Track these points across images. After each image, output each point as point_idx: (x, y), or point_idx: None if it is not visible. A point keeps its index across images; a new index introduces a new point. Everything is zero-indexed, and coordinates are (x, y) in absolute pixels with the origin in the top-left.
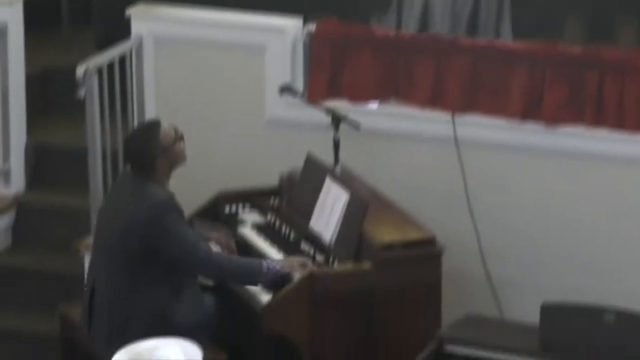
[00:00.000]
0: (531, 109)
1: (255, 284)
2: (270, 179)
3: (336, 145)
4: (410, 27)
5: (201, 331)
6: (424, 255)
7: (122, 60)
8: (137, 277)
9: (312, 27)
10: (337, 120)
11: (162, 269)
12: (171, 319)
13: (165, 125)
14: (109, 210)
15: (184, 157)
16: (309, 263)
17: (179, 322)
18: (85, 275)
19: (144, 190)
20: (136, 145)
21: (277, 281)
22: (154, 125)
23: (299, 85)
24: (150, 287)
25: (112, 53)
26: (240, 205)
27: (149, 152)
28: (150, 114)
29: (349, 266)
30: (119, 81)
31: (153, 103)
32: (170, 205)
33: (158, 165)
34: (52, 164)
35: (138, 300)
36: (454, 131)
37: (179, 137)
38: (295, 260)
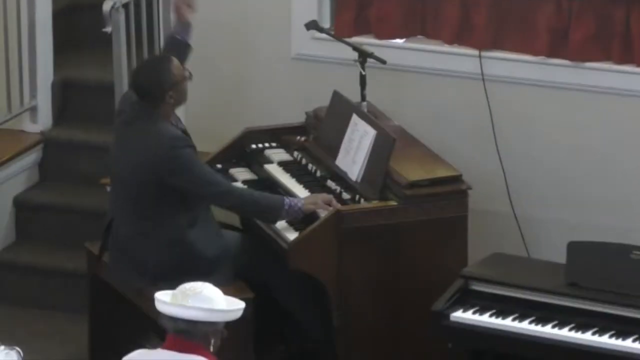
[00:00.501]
0: (558, 45)
1: (274, 221)
2: (296, 116)
3: (363, 82)
4: None
5: (224, 264)
6: (450, 192)
7: None
8: (151, 210)
9: None
10: (363, 56)
11: (177, 202)
12: (191, 247)
13: (175, 61)
14: (121, 144)
15: (186, 98)
16: (334, 200)
17: (200, 250)
18: None
19: (154, 126)
20: (148, 76)
21: (298, 219)
22: (166, 59)
23: (326, 21)
24: (165, 219)
25: None
26: (267, 143)
27: (160, 84)
28: None
29: (375, 203)
30: (146, 17)
31: None
32: (183, 141)
33: (167, 100)
34: (79, 100)
35: (154, 232)
36: (481, 68)
37: (188, 76)
38: (319, 197)
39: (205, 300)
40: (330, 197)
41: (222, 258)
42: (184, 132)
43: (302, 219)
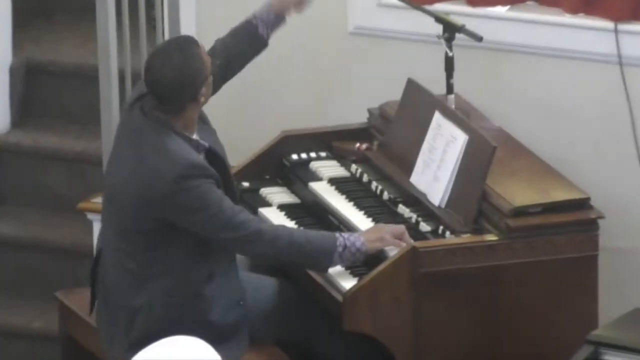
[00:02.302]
0: None
1: (324, 269)
2: (355, 115)
3: (449, 67)
4: None
5: (239, 332)
6: (573, 223)
7: None
8: (148, 253)
9: None
10: (451, 31)
11: (186, 247)
12: (198, 313)
13: (201, 43)
14: (119, 160)
15: (207, 100)
16: (407, 234)
17: (211, 317)
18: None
19: (166, 142)
20: (176, 71)
21: (357, 263)
22: (192, 41)
23: None
24: (167, 267)
25: None
26: (313, 152)
27: (194, 80)
28: (187, 25)
29: (466, 238)
30: None
31: (193, 9)
32: (199, 169)
33: (199, 100)
34: (48, 92)
35: (151, 280)
36: (617, 46)
37: (214, 67)
38: (387, 229)
39: None
40: (402, 229)
41: (240, 324)
42: (209, 150)
43: (363, 261)
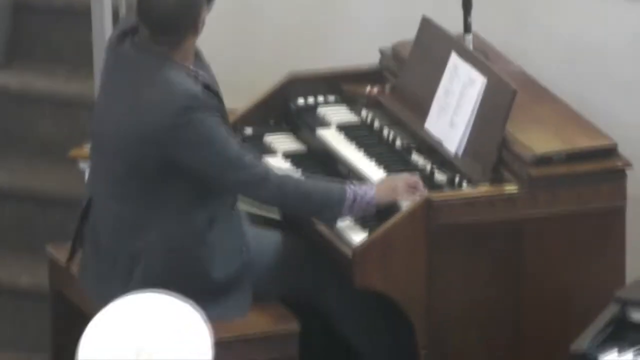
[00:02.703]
0: None
1: (333, 220)
2: (365, 55)
3: (467, 3)
4: None
5: (242, 286)
6: (600, 172)
7: None
8: (149, 197)
9: None
10: None
11: (187, 190)
12: (199, 260)
13: None
14: (112, 100)
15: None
16: (421, 183)
17: (212, 266)
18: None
19: (164, 74)
20: None
21: (368, 216)
22: None
23: None
24: (167, 212)
25: None
26: (321, 96)
27: (193, 6)
28: None
29: (484, 188)
30: None
31: None
32: (203, 101)
33: (199, 29)
34: (38, 32)
35: (150, 226)
36: None
37: None
38: (400, 179)
39: None
40: (416, 178)
41: (243, 277)
42: (207, 87)
43: (374, 214)
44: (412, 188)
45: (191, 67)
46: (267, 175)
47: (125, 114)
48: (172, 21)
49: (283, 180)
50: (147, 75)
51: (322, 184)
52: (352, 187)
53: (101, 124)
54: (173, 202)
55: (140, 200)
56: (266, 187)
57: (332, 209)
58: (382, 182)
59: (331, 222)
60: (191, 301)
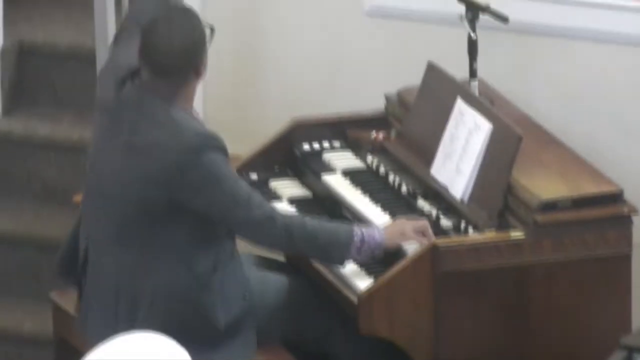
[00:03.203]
0: None
1: (340, 262)
2: (371, 101)
3: (472, 49)
4: None
5: (245, 329)
6: (606, 218)
7: None
8: (156, 243)
9: None
10: (474, 10)
11: (191, 233)
12: (202, 305)
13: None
14: (110, 149)
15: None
16: (428, 228)
17: (215, 311)
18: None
19: (170, 115)
20: (178, 35)
21: (375, 259)
22: (189, 11)
23: None
24: (173, 260)
25: None
26: (326, 142)
27: (196, 50)
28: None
29: (490, 234)
30: None
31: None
32: (214, 140)
33: (201, 72)
34: (42, 76)
35: (151, 270)
36: None
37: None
38: (407, 224)
39: None
40: (424, 223)
41: (246, 323)
42: None
43: (380, 259)
44: (421, 233)
45: (192, 111)
46: (274, 217)
47: (129, 157)
48: (180, 60)
49: (291, 221)
50: (151, 115)
51: (329, 225)
52: (360, 229)
53: (101, 170)
54: (177, 246)
55: (144, 244)
56: (273, 226)
57: (340, 250)
58: (390, 225)
59: (339, 264)
60: (195, 346)
